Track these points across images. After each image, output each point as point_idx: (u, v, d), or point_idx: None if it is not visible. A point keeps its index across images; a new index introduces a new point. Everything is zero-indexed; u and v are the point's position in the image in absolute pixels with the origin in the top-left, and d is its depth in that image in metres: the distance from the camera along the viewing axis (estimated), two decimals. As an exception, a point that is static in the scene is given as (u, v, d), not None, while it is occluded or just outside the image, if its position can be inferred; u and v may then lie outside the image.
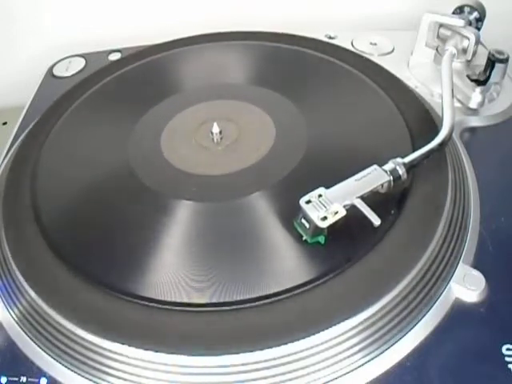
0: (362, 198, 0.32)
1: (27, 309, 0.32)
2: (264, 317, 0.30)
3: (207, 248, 0.34)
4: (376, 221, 0.31)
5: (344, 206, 0.32)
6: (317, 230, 0.31)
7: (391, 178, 0.33)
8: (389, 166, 0.34)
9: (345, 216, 0.31)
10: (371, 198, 0.33)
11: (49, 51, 0.59)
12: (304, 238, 0.32)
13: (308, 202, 0.32)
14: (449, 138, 0.37)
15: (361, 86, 0.46)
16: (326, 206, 0.32)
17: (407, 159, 0.34)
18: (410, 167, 0.34)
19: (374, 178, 0.33)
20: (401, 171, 0.33)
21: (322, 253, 0.32)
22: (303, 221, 0.32)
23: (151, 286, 0.32)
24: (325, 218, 0.31)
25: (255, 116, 0.43)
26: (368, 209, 0.31)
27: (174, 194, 0.37)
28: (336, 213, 0.31)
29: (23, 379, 0.30)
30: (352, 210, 0.32)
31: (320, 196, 0.32)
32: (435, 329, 0.30)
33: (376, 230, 0.32)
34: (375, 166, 0.34)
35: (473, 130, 0.43)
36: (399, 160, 0.34)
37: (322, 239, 0.32)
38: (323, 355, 0.28)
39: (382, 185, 0.33)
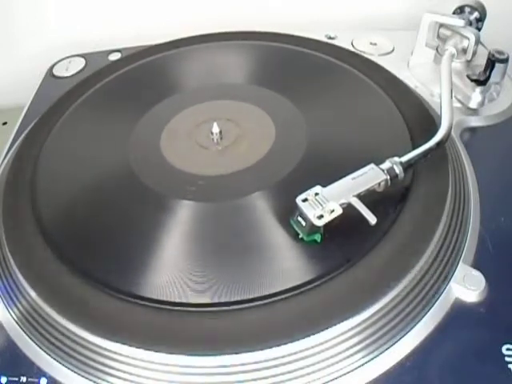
0: (359, 196, 0.32)
1: (27, 309, 0.32)
2: (264, 317, 0.30)
3: (207, 248, 0.34)
4: (372, 219, 0.31)
5: (340, 205, 0.32)
6: (313, 229, 0.32)
7: (388, 176, 0.33)
8: (386, 164, 0.34)
9: (341, 214, 0.31)
10: (371, 198, 0.33)
11: (49, 51, 0.59)
12: (300, 236, 0.33)
13: (305, 200, 0.32)
14: (447, 137, 0.37)
15: (361, 86, 0.46)
16: (322, 205, 0.32)
17: (404, 158, 0.34)
18: (407, 166, 0.34)
19: (370, 176, 0.33)
20: (398, 170, 0.33)
21: (322, 253, 0.32)
22: (299, 219, 0.32)
23: (151, 286, 0.32)
24: (321, 217, 0.31)
25: (255, 116, 0.43)
26: (364, 207, 0.31)
27: (173, 194, 0.37)
28: (332, 211, 0.31)
29: (23, 379, 0.30)
30: (352, 210, 0.32)
31: (317, 194, 0.32)
32: (435, 329, 0.30)
33: (376, 229, 0.32)
34: (372, 165, 0.34)
35: (473, 129, 0.43)
36: (396, 159, 0.34)
37: (318, 237, 0.32)
38: (323, 355, 0.28)
39: (379, 183, 0.33)
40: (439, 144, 0.36)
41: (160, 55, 0.52)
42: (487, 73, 0.42)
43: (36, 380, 0.30)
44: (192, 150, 0.41)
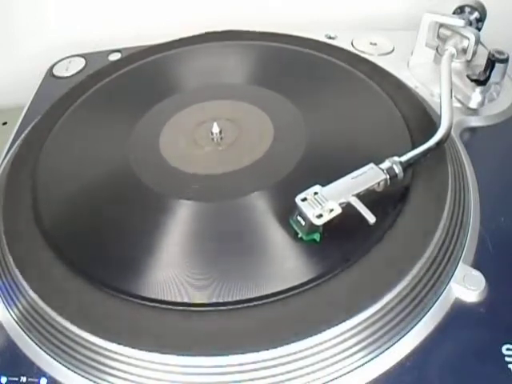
0: (358, 196, 0.32)
1: (27, 309, 0.32)
2: (264, 317, 0.29)
3: (207, 248, 0.34)
4: (371, 219, 0.31)
5: (340, 204, 0.32)
6: (312, 228, 0.32)
7: (387, 176, 0.33)
8: (385, 164, 0.34)
9: (341, 214, 0.31)
10: (370, 197, 0.33)
11: (49, 51, 0.59)
12: (299, 236, 0.33)
13: (304, 199, 0.32)
14: (446, 137, 0.37)
15: (360, 86, 0.46)
16: (321, 204, 0.32)
17: (404, 158, 0.34)
18: (406, 166, 0.34)
19: (370, 176, 0.33)
20: (397, 170, 0.33)
21: (322, 253, 0.32)
22: (299, 218, 0.32)
23: (151, 286, 0.32)
24: (320, 216, 0.31)
25: (255, 116, 0.43)
26: (363, 207, 0.31)
27: (173, 194, 0.37)
28: (331, 210, 0.31)
29: (23, 379, 0.30)
30: (351, 209, 0.32)
31: (316, 194, 0.32)
32: (435, 329, 0.30)
33: (375, 229, 0.32)
34: (372, 165, 0.34)
35: (473, 130, 0.43)
36: (396, 159, 0.34)
37: (317, 237, 0.32)
38: (323, 355, 0.28)
39: (379, 183, 0.33)
40: (439, 144, 0.36)
41: (160, 55, 0.52)
42: (487, 73, 0.42)
43: (36, 380, 0.30)
44: (192, 149, 0.41)
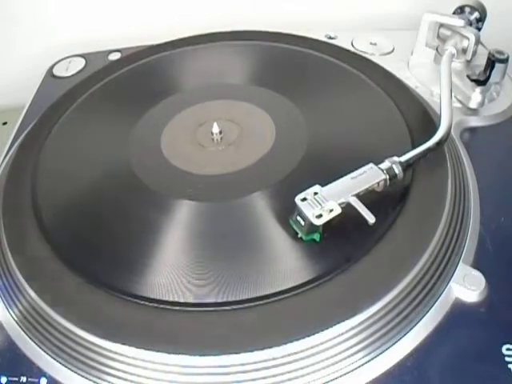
0: (358, 196, 0.32)
1: (27, 309, 0.32)
2: (264, 317, 0.30)
3: (207, 248, 0.34)
4: (371, 219, 0.31)
5: (339, 204, 0.32)
6: (312, 228, 0.32)
7: (387, 176, 0.33)
8: (385, 164, 0.34)
9: (340, 214, 0.31)
10: (370, 197, 0.33)
11: (49, 51, 0.59)
12: (299, 236, 0.33)
13: (303, 199, 0.32)
14: (446, 137, 0.37)
15: (361, 86, 0.46)
16: (321, 204, 0.32)
17: (403, 158, 0.34)
18: (406, 166, 0.34)
19: (369, 176, 0.33)
20: (397, 170, 0.33)
21: (322, 253, 0.32)
22: (298, 218, 0.32)
23: (151, 286, 0.32)
24: (320, 216, 0.31)
25: (255, 116, 0.43)
26: (363, 207, 0.31)
27: (174, 194, 0.37)
28: (331, 210, 0.31)
29: (23, 379, 0.30)
30: (351, 209, 0.32)
31: (315, 194, 0.32)
32: (435, 329, 0.30)
33: (375, 229, 0.32)
34: (371, 165, 0.34)
35: (473, 130, 0.43)
36: (395, 159, 0.34)
37: (317, 237, 0.32)
38: (323, 355, 0.28)
39: (378, 183, 0.33)
40: (438, 144, 0.36)
41: (160, 55, 0.52)
42: (487, 73, 0.42)
43: (36, 380, 0.30)
44: (192, 149, 0.41)
